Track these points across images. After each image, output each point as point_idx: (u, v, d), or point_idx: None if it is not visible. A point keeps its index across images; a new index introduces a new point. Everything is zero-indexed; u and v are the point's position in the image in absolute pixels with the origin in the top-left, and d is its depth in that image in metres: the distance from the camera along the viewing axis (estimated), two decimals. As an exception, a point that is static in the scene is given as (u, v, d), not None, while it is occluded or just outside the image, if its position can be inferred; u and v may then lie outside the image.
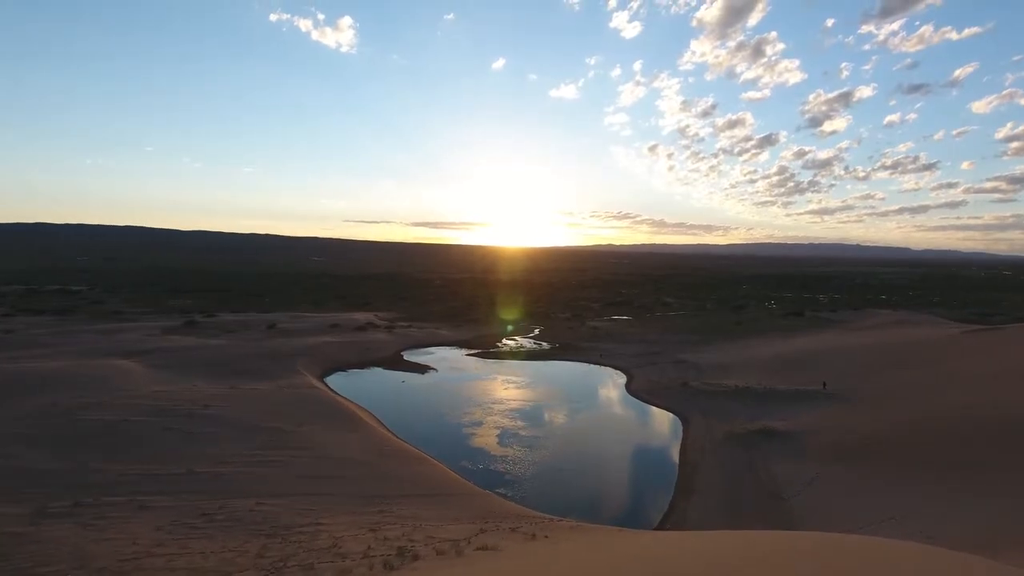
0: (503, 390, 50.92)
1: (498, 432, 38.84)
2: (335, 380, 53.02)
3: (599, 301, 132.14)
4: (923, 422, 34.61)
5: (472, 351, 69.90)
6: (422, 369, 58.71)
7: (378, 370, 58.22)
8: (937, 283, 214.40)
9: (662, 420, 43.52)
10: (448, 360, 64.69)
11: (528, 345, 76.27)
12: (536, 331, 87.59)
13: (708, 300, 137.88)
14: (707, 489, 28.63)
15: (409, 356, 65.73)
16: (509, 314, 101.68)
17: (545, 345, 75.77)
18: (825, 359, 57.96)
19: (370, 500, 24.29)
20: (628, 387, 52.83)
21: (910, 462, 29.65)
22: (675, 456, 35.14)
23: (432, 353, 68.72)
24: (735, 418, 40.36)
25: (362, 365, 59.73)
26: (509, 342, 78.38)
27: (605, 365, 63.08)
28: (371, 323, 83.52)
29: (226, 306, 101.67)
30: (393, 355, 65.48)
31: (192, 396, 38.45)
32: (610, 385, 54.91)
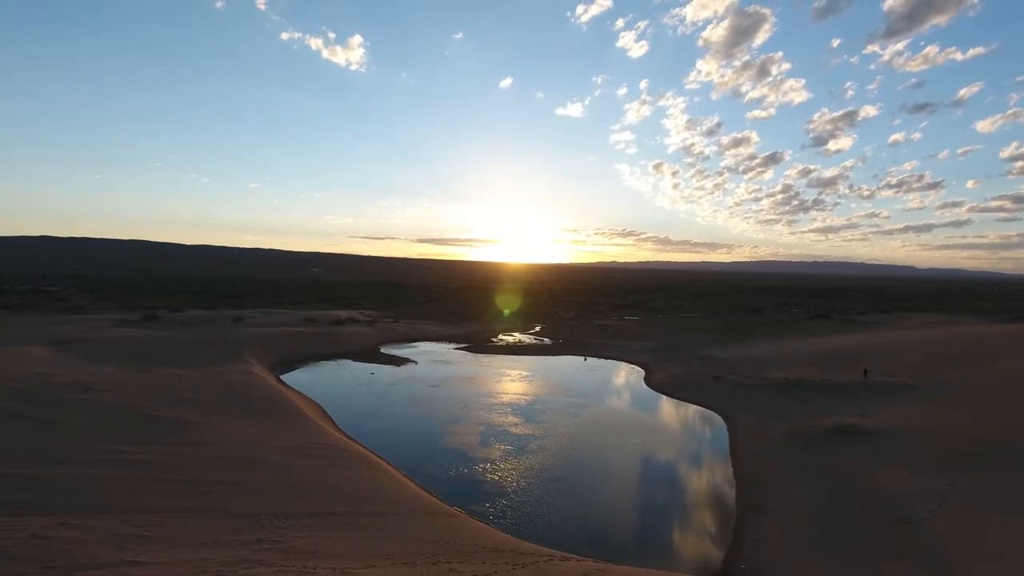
0: (494, 383, 41.47)
1: (481, 430, 29.35)
2: (292, 371, 43.76)
3: (606, 304, 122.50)
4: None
5: (461, 345, 60.54)
6: (399, 362, 49.30)
7: (347, 362, 48.83)
8: (953, 296, 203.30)
9: (694, 417, 33.98)
10: (431, 354, 55.21)
11: (527, 341, 66.78)
12: (537, 328, 78.04)
13: (722, 304, 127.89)
14: (785, 507, 19.04)
15: (388, 350, 56.36)
16: (508, 311, 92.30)
17: (547, 341, 66.27)
18: (881, 353, 48.22)
19: (252, 521, 14.94)
20: (647, 381, 43.25)
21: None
22: (723, 462, 25.59)
23: (415, 347, 59.31)
24: (793, 414, 30.84)
25: (330, 357, 50.42)
26: (506, 337, 68.92)
27: (593, 358, 54.31)
28: (352, 318, 74.23)
29: (201, 305, 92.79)
30: (369, 348, 56.17)
31: (78, 379, 29.29)
32: (625, 379, 45.32)
